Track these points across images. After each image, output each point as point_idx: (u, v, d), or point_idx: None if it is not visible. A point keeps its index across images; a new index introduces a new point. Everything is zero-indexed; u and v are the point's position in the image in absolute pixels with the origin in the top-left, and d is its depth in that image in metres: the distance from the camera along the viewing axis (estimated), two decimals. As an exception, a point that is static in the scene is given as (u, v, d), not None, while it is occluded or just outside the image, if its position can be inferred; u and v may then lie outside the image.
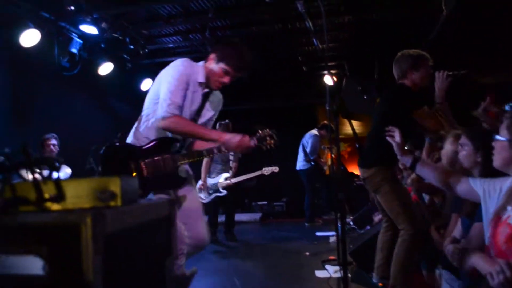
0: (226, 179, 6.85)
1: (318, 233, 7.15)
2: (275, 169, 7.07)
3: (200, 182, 6.74)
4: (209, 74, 2.87)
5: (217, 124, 6.78)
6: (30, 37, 5.57)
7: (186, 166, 2.95)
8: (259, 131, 2.96)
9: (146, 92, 7.82)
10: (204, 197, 6.76)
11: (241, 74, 2.96)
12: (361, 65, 8.95)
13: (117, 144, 2.86)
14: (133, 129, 2.91)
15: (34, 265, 0.90)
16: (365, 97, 8.86)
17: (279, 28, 7.09)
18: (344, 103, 3.51)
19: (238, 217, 9.39)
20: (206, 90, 2.94)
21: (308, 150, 8.27)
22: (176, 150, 2.76)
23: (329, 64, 8.86)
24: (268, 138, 2.93)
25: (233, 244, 6.65)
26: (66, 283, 0.86)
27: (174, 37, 7.39)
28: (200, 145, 2.95)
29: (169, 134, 2.82)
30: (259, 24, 7.02)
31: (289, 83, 9.85)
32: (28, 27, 5.51)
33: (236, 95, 10.45)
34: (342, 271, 3.04)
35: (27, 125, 6.02)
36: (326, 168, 8.74)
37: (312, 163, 8.29)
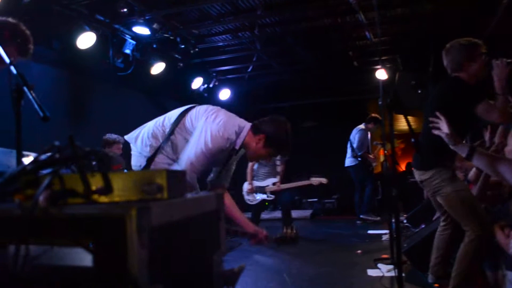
0: (274, 184, 6.83)
1: (370, 231, 6.99)
2: (324, 180, 6.99)
3: (247, 186, 6.79)
4: (251, 150, 2.84)
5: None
6: (86, 40, 5.78)
7: None
8: (284, 229, 3.16)
9: (196, 91, 7.90)
10: (251, 199, 6.84)
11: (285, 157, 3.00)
12: (414, 59, 8.65)
13: None
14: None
15: (81, 257, 0.91)
16: (419, 91, 8.57)
17: (329, 22, 6.97)
18: (398, 98, 3.38)
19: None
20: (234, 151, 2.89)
21: (355, 145, 8.09)
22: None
23: (382, 58, 8.63)
24: (288, 239, 3.11)
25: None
26: (112, 276, 0.85)
27: (224, 36, 7.44)
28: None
29: None
30: (308, 19, 6.93)
31: (340, 78, 9.68)
32: (84, 30, 5.72)
33: (287, 92, 10.46)
34: (396, 271, 2.92)
35: (84, 124, 6.26)
36: (374, 164, 8.47)
37: (359, 159, 8.08)
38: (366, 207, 8.11)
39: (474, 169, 3.79)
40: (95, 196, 0.95)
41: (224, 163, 2.89)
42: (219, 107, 2.89)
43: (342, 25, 7.07)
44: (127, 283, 0.81)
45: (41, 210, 0.87)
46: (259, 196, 6.85)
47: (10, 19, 2.50)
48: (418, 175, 3.40)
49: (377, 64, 8.91)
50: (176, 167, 2.67)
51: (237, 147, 2.80)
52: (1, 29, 2.41)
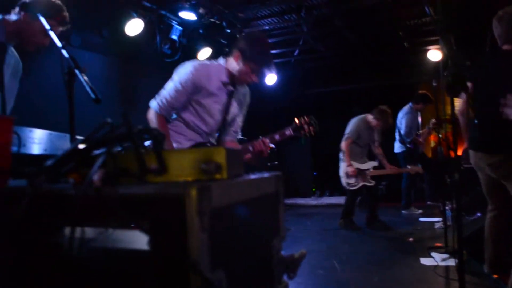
0: (374, 167, 6.21)
1: (421, 219, 6.75)
2: (420, 170, 6.56)
3: (347, 168, 6.10)
4: (235, 73, 2.80)
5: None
6: (134, 27, 5.82)
7: None
8: (296, 120, 2.94)
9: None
10: (352, 183, 6.17)
11: (270, 71, 2.90)
12: (469, 38, 8.21)
13: None
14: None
15: (137, 239, 0.86)
16: (474, 72, 8.13)
17: (378, 2, 6.69)
18: (459, 79, 3.19)
19: (337, 200, 9.25)
20: (231, 88, 2.87)
21: (402, 132, 7.41)
22: None
23: (434, 38, 8.25)
24: (305, 126, 2.92)
25: (379, 233, 5.98)
26: (170, 260, 0.79)
27: (270, 19, 7.31)
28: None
29: (198, 136, 2.87)
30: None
31: (389, 60, 9.34)
32: (132, 17, 5.76)
33: (334, 76, 10.24)
34: (456, 260, 2.76)
35: (133, 110, 6.35)
36: (422, 151, 7.87)
37: (408, 145, 7.43)
38: (405, 201, 7.59)
39: None
40: (150, 176, 0.89)
41: (226, 108, 2.89)
42: None
43: (392, 4, 6.77)
44: (187, 268, 0.75)
45: (95, 190, 0.82)
46: (360, 181, 6.14)
47: None
48: (483, 158, 3.16)
49: (429, 45, 8.54)
50: (156, 96, 2.84)
51: (224, 80, 2.79)
52: (33, 5, 2.42)
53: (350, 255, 4.56)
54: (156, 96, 2.86)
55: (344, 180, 6.23)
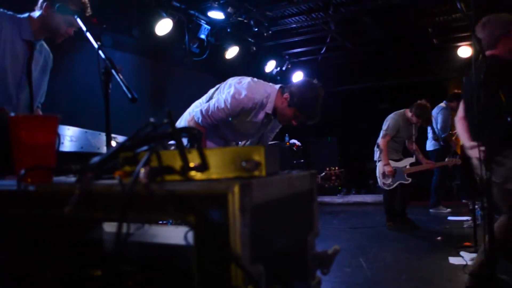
0: (411, 164, 6.07)
1: (450, 218, 6.65)
2: (458, 161, 6.38)
3: (384, 167, 5.93)
4: (278, 111, 2.90)
5: None
6: (163, 26, 5.93)
7: None
8: (327, 169, 3.02)
9: (269, 74, 7.94)
10: (388, 183, 6.03)
11: (311, 122, 2.92)
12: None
13: None
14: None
15: (181, 234, 0.90)
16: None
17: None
18: (493, 75, 3.13)
19: (363, 198, 9.20)
20: (271, 118, 2.98)
21: (438, 126, 7.32)
22: None
23: (464, 34, 8.10)
24: (333, 178, 2.99)
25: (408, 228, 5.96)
26: (213, 254, 0.83)
27: (297, 17, 7.31)
28: None
29: (222, 141, 3.02)
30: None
31: (418, 57, 9.21)
32: (161, 17, 5.86)
33: (361, 73, 10.15)
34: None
35: (162, 108, 6.46)
36: (454, 149, 7.72)
37: (442, 142, 7.35)
38: (434, 199, 7.46)
39: None
40: (192, 173, 0.93)
41: (259, 130, 3.00)
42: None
43: (421, 0, 6.68)
44: (230, 261, 0.79)
45: (141, 186, 0.87)
46: (397, 180, 5.99)
47: None
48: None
49: (459, 41, 8.39)
50: (200, 108, 2.92)
51: (269, 111, 2.86)
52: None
53: (377, 253, 4.54)
54: (203, 106, 2.92)
55: (380, 180, 6.10)
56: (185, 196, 0.84)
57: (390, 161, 5.94)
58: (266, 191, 0.91)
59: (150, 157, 0.92)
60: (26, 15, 2.52)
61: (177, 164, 0.94)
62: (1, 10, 2.46)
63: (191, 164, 0.92)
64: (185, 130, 1.01)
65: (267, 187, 0.92)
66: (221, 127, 2.98)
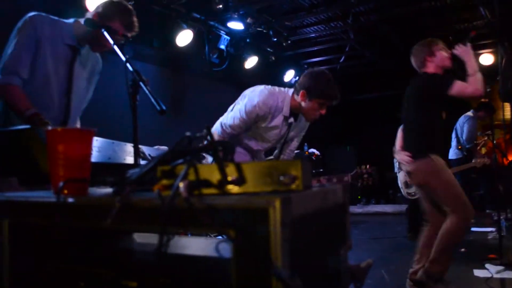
0: None
1: (473, 228, 6.52)
2: (487, 160, 6.25)
3: (405, 176, 5.67)
4: (303, 110, 2.95)
5: None
6: (184, 37, 6.02)
7: None
8: (358, 168, 3.04)
9: (289, 83, 7.98)
10: (412, 192, 5.94)
11: (336, 102, 2.98)
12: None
13: None
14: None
15: (221, 247, 0.91)
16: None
17: (427, 6, 6.58)
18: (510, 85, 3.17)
19: (382, 208, 9.12)
20: (292, 120, 3.02)
21: (464, 136, 7.13)
22: None
23: (485, 42, 8.01)
24: (365, 176, 3.00)
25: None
26: (253, 268, 0.83)
27: (316, 27, 7.35)
28: None
29: (245, 152, 3.08)
30: (404, 5, 6.60)
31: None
32: (182, 28, 5.95)
33: (380, 82, 10.11)
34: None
35: (183, 118, 6.52)
36: (476, 160, 7.52)
37: (465, 152, 7.15)
38: None
39: None
40: (230, 187, 0.94)
41: (284, 136, 3.05)
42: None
43: (440, 8, 6.64)
44: (270, 276, 0.79)
45: (181, 200, 0.88)
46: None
47: None
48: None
49: (481, 49, 8.30)
50: (222, 122, 3.02)
51: (286, 114, 2.93)
52: (104, 8, 2.54)
53: (399, 265, 4.48)
54: (222, 120, 3.03)
55: (403, 190, 6.01)
56: (225, 210, 0.86)
57: None
58: (304, 205, 0.92)
59: (188, 170, 0.94)
60: (71, 20, 2.58)
61: (214, 177, 0.96)
62: (44, 14, 2.52)
63: (229, 178, 0.93)
64: (220, 144, 1.02)
65: (305, 200, 0.93)
66: (243, 138, 3.02)
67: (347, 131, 10.04)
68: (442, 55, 3.61)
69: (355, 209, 9.43)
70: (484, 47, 8.26)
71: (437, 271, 3.40)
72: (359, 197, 10.00)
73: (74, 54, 2.58)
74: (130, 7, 2.63)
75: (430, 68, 3.62)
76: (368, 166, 3.02)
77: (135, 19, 2.61)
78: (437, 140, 3.56)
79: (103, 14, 2.51)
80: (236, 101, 3.10)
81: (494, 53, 7.83)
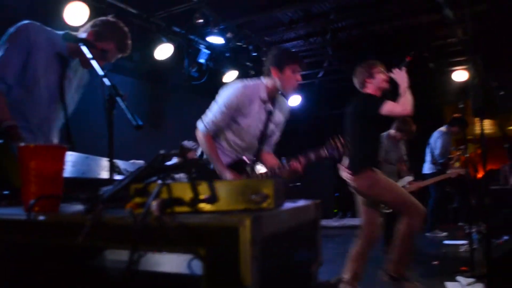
0: (410, 183, 6.07)
1: (445, 241, 6.62)
2: (462, 171, 6.37)
3: None
4: (282, 84, 2.97)
5: None
6: (163, 51, 6.01)
7: None
8: (331, 140, 3.04)
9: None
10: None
11: (303, 65, 3.08)
12: (497, 59, 8.17)
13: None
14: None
15: (190, 265, 0.91)
16: (501, 93, 8.03)
17: (404, 23, 6.75)
18: (490, 101, 3.29)
19: (359, 221, 9.15)
20: (270, 107, 3.04)
21: (436, 152, 7.33)
22: (249, 169, 2.97)
23: (460, 59, 8.23)
24: (340, 148, 3.03)
25: None
26: (223, 286, 0.84)
27: (295, 42, 7.45)
28: (268, 158, 3.16)
29: (233, 151, 3.03)
30: (382, 22, 6.76)
31: (414, 81, 9.30)
32: (162, 42, 5.95)
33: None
34: (483, 284, 2.75)
35: (161, 132, 6.50)
36: (451, 171, 7.65)
37: (440, 167, 7.32)
38: (431, 223, 7.39)
39: None
40: (202, 205, 0.95)
41: (265, 127, 3.06)
42: None
43: (417, 26, 6.82)
44: (240, 294, 0.80)
45: (153, 218, 0.89)
46: None
47: (110, 18, 2.65)
48: None
49: (454, 66, 8.52)
50: (202, 118, 3.04)
51: (264, 97, 2.97)
52: (101, 27, 2.54)
53: (374, 277, 4.50)
54: (203, 117, 3.04)
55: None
56: (196, 228, 0.86)
57: None
58: (275, 223, 0.94)
59: (161, 189, 0.94)
60: (63, 32, 2.57)
61: (187, 195, 0.96)
62: (38, 23, 2.50)
63: (201, 196, 0.94)
64: (196, 163, 1.03)
65: (276, 219, 0.94)
66: (227, 134, 3.01)
67: (324, 145, 10.17)
68: (380, 78, 3.87)
69: (331, 222, 9.47)
70: (458, 64, 8.47)
71: (402, 271, 3.72)
72: (335, 210, 10.06)
73: (65, 65, 2.57)
74: (127, 29, 2.64)
75: (370, 89, 3.88)
76: (340, 137, 3.08)
77: (130, 41, 2.63)
78: (373, 154, 3.84)
79: (99, 33, 2.52)
80: (214, 101, 3.13)
81: (468, 69, 8.02)
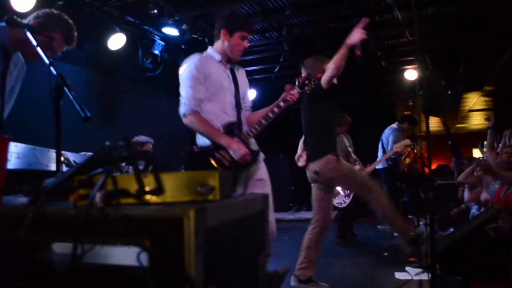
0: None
1: (396, 233, 6.85)
2: (408, 142, 6.62)
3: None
4: (227, 50, 3.01)
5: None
6: (116, 41, 5.87)
7: (253, 141, 3.13)
8: (297, 79, 3.17)
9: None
10: (341, 202, 6.25)
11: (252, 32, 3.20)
12: (445, 59, 8.51)
13: (196, 150, 3.02)
14: None
15: (135, 256, 0.91)
16: (449, 92, 8.38)
17: (358, 22, 6.87)
18: (436, 99, 3.42)
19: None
20: (229, 65, 3.09)
21: (389, 147, 7.49)
22: (238, 131, 2.98)
23: (411, 58, 8.51)
24: (307, 82, 3.15)
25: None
26: (167, 277, 0.85)
27: (251, 36, 7.42)
28: (254, 118, 3.14)
29: (227, 118, 3.00)
30: (337, 20, 6.88)
31: (366, 79, 9.57)
32: (115, 31, 5.80)
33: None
34: (429, 274, 2.88)
35: (113, 124, 6.35)
36: (403, 168, 7.97)
37: (391, 162, 7.58)
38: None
39: None
40: (148, 197, 0.95)
41: (232, 81, 3.07)
42: None
43: (373, 24, 6.98)
44: (184, 283, 0.81)
45: (97, 210, 0.88)
46: (347, 198, 6.26)
47: (53, 10, 2.57)
48: None
49: (406, 65, 8.80)
50: (181, 106, 2.95)
51: (219, 59, 3.00)
52: (45, 18, 2.46)
53: (327, 269, 4.61)
54: (181, 103, 2.97)
55: (334, 201, 6.15)
56: (141, 220, 0.86)
57: None
58: (220, 215, 0.95)
59: (105, 180, 0.93)
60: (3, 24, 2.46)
61: (133, 187, 0.96)
62: None
63: (147, 188, 0.94)
64: (142, 155, 1.03)
65: (221, 211, 0.96)
66: (207, 107, 2.97)
67: (280, 139, 10.22)
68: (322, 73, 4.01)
69: (286, 215, 9.59)
70: (410, 63, 8.76)
71: (403, 228, 3.99)
72: (291, 204, 10.19)
73: (7, 59, 2.47)
74: (71, 21, 2.56)
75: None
76: (305, 75, 3.20)
77: (76, 33, 2.55)
78: (332, 139, 4.03)
79: (44, 24, 2.43)
80: (180, 88, 3.10)
81: (419, 69, 8.31)
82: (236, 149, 2.80)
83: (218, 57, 3.02)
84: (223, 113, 2.99)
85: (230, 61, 3.09)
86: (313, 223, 4.13)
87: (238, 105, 3.07)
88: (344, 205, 6.19)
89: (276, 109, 3.00)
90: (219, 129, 2.90)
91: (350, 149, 6.35)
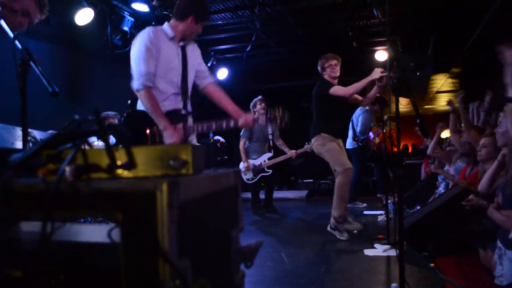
0: (269, 158, 7.10)
1: (365, 212, 7.02)
2: (308, 147, 7.02)
3: (242, 164, 7.02)
4: (186, 33, 3.10)
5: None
6: (84, 16, 5.69)
7: (194, 138, 3.22)
8: (272, 112, 3.31)
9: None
10: (250, 178, 7.09)
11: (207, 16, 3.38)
12: (414, 41, 8.63)
13: (138, 110, 3.03)
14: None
15: (108, 232, 0.90)
16: (417, 73, 8.52)
17: (330, 2, 6.87)
18: (405, 80, 3.46)
19: (284, 194, 9.44)
20: (182, 43, 3.14)
21: (358, 128, 7.70)
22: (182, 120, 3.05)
23: (381, 39, 8.59)
24: (278, 119, 3.28)
25: (275, 216, 7.13)
26: (140, 251, 0.84)
27: (223, 14, 7.34)
28: (218, 96, 3.36)
29: (177, 103, 3.10)
30: (307, -1, 6.86)
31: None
32: (82, 6, 5.62)
33: (285, 72, 10.40)
34: (397, 250, 2.96)
35: (81, 101, 6.19)
36: (372, 148, 8.13)
37: (360, 143, 7.73)
38: (351, 194, 7.87)
39: None
40: (119, 171, 0.94)
41: (183, 59, 3.14)
42: None
43: (344, 4, 6.98)
44: (157, 256, 0.81)
45: (67, 184, 0.86)
46: (258, 173, 7.09)
47: None
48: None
49: (376, 46, 8.88)
50: (133, 80, 3.01)
51: (171, 35, 3.07)
52: None
53: (298, 247, 4.69)
54: (134, 78, 2.99)
55: (243, 177, 7.12)
56: (112, 194, 0.85)
57: (250, 160, 7.07)
58: (193, 189, 0.95)
59: (75, 154, 0.91)
60: None
61: (104, 162, 0.94)
62: None
63: (118, 162, 0.92)
64: (112, 128, 1.01)
65: (194, 185, 0.95)
66: (157, 81, 3.02)
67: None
68: (330, 71, 5.15)
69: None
70: (379, 44, 8.84)
71: (339, 215, 4.93)
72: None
73: None
74: None
75: (325, 75, 5.16)
76: (279, 109, 3.30)
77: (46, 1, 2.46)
78: (330, 123, 5.02)
79: None
80: (132, 60, 3.10)
81: (389, 50, 8.38)
82: (170, 135, 2.84)
83: (171, 33, 3.06)
84: (170, 88, 3.07)
85: (184, 40, 3.14)
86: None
87: (184, 82, 3.15)
88: (254, 181, 7.12)
89: (230, 124, 3.09)
90: (163, 112, 2.92)
91: (269, 137, 7.20)
